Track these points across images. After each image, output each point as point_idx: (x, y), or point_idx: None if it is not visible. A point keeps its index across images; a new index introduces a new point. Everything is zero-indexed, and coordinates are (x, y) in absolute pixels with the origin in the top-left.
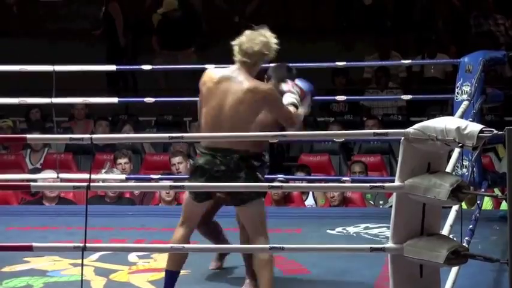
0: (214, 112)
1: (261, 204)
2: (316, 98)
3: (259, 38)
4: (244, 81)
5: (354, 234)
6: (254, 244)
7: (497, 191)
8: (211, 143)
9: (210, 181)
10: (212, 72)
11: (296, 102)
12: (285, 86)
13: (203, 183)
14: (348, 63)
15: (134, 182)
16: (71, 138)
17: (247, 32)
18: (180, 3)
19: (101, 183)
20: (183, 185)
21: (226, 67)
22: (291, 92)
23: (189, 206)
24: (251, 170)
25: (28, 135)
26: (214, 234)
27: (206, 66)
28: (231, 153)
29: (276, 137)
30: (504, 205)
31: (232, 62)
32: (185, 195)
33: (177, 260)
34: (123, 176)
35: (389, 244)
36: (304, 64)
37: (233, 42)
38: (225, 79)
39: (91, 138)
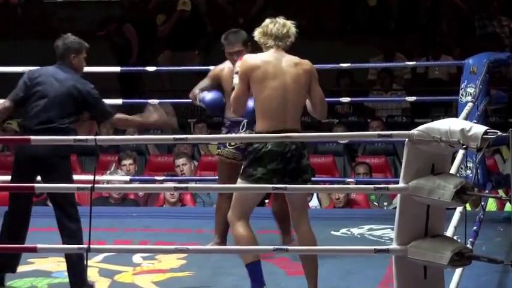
0: (278, 93)
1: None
2: None
3: (281, 22)
4: (290, 58)
5: (358, 236)
6: (303, 221)
7: (501, 193)
8: (278, 124)
9: (282, 163)
10: (255, 58)
11: None
12: None
13: (211, 185)
14: (353, 65)
15: (138, 183)
16: (75, 140)
17: (266, 22)
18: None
19: (105, 185)
20: (187, 187)
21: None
22: None
23: (247, 198)
24: (307, 148)
25: (32, 137)
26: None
27: (211, 67)
28: (297, 132)
29: (281, 138)
30: (508, 206)
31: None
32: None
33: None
34: (128, 178)
35: (394, 245)
36: None
37: (256, 37)
38: (274, 60)
39: (95, 139)
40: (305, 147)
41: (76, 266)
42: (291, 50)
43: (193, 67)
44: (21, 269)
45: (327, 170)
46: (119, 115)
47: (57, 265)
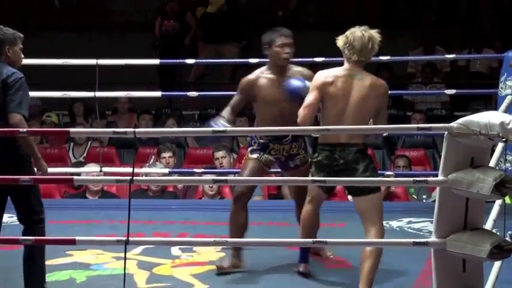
0: (337, 109)
1: (378, 197)
2: None
3: (367, 36)
4: (366, 77)
5: (397, 229)
6: (369, 233)
7: None
8: (330, 139)
9: (329, 175)
10: (328, 73)
11: None
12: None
13: (250, 178)
14: (392, 58)
15: (177, 175)
16: (114, 132)
17: (354, 31)
18: None
19: (144, 177)
20: (226, 179)
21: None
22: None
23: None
24: (370, 161)
25: (71, 129)
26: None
27: (250, 60)
28: (349, 146)
29: (321, 131)
30: None
31: None
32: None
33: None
34: (166, 170)
35: (433, 238)
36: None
37: (339, 44)
38: (346, 77)
39: (134, 132)
40: (357, 162)
41: (36, 265)
42: (330, 44)
43: (232, 59)
44: (60, 261)
45: None
46: (20, 120)
47: (96, 257)
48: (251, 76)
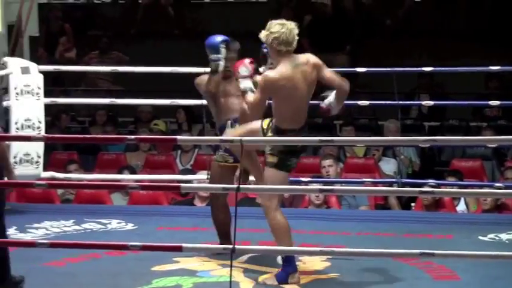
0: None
1: None
2: (468, 102)
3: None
4: (300, 58)
5: (507, 241)
6: None
7: None
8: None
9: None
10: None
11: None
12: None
13: (357, 188)
14: (503, 67)
15: None
16: (221, 140)
17: (280, 26)
18: (333, 5)
19: (250, 186)
20: (332, 189)
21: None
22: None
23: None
24: None
25: (178, 137)
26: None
27: (357, 69)
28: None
29: (427, 142)
30: None
31: (383, 62)
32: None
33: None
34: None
35: None
36: (456, 68)
37: (271, 37)
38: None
39: (241, 140)
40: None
41: None
42: (440, 52)
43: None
44: (166, 267)
45: (475, 174)
46: None
47: (202, 264)
48: None
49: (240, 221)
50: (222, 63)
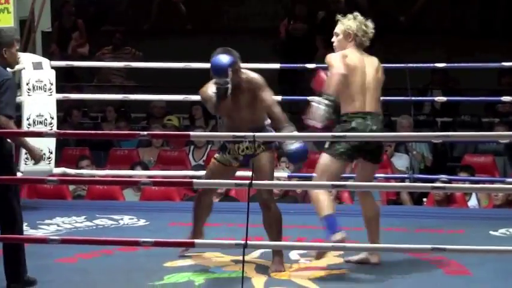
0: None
1: None
2: (480, 98)
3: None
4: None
5: None
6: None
7: None
8: (360, 108)
9: (364, 142)
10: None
11: None
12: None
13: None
14: None
15: (297, 180)
16: (234, 136)
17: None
18: (346, 2)
19: (262, 181)
20: (344, 184)
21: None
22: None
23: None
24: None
25: (191, 133)
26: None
27: None
28: (377, 115)
29: (440, 138)
30: None
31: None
32: (326, 159)
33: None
34: (286, 174)
35: None
36: (470, 64)
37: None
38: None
39: (253, 136)
40: (383, 129)
41: (11, 259)
42: (454, 48)
43: None
44: (179, 263)
45: (486, 170)
46: (5, 120)
47: (214, 260)
48: None
49: (252, 216)
50: (230, 87)
